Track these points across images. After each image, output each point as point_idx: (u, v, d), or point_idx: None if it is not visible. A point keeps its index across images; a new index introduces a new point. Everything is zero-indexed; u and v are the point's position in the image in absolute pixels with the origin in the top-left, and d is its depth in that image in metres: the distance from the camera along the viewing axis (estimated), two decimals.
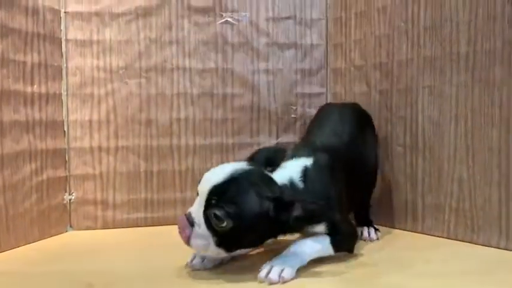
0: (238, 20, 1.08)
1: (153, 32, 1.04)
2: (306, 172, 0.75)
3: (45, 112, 0.95)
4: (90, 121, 1.01)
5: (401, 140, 0.97)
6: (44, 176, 0.95)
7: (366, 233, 0.91)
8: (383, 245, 0.88)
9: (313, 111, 1.12)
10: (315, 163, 0.77)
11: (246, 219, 0.66)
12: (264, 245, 0.76)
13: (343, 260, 0.77)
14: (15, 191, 0.88)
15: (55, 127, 0.98)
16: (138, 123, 1.03)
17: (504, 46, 0.81)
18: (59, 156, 0.99)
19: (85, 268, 0.76)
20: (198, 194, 0.70)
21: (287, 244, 0.73)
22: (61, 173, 0.99)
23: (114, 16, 1.02)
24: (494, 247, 0.82)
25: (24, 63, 0.90)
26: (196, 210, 0.68)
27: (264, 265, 0.67)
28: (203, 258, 0.72)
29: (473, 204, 0.86)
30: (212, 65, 1.07)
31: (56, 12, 0.98)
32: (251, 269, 0.70)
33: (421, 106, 0.94)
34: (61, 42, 0.99)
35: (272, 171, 0.75)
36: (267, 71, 1.10)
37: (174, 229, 1.01)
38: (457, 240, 0.88)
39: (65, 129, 1.00)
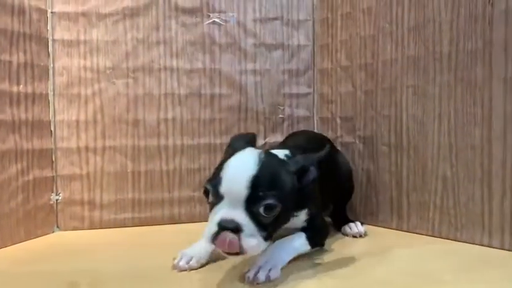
0: (225, 21, 1.08)
1: (141, 32, 1.04)
2: (291, 151, 0.76)
3: (31, 112, 0.95)
4: (77, 121, 1.01)
5: (386, 139, 0.98)
6: (30, 176, 0.94)
7: (354, 228, 0.92)
8: (368, 243, 0.89)
9: (300, 112, 1.13)
10: (292, 154, 0.77)
11: (288, 199, 0.65)
12: None
13: (327, 258, 0.78)
14: (0, 191, 0.87)
15: (42, 127, 0.98)
16: (126, 123, 1.04)
17: (485, 46, 0.82)
18: (46, 157, 0.99)
19: (71, 268, 0.76)
20: (219, 197, 0.62)
21: None
22: (48, 173, 0.99)
23: (101, 16, 1.02)
24: (478, 244, 0.84)
25: (10, 63, 0.90)
26: (235, 212, 0.61)
27: (250, 266, 0.67)
28: (189, 259, 0.72)
29: (457, 201, 0.87)
30: (200, 65, 1.07)
31: (42, 12, 0.98)
32: (237, 268, 0.71)
33: (405, 105, 0.95)
34: (48, 42, 0.99)
35: None
36: (254, 72, 1.10)
37: (161, 229, 1.03)
38: (441, 238, 0.89)
39: (52, 129, 1.00)
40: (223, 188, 0.62)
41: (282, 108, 1.12)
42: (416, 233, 0.93)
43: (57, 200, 1.01)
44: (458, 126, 0.87)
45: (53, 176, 1.00)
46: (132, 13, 1.03)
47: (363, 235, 0.92)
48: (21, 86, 0.92)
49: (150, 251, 0.86)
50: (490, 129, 0.82)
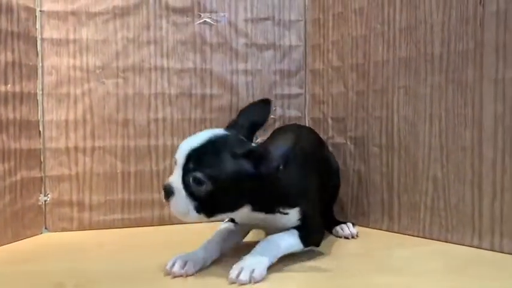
0: (216, 21, 1.08)
1: (131, 31, 1.03)
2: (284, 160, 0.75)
3: (19, 112, 0.94)
4: (66, 121, 1.00)
5: (377, 140, 0.98)
6: (18, 177, 0.93)
7: (346, 230, 0.91)
8: (358, 244, 0.89)
9: (292, 112, 1.13)
10: (293, 149, 0.76)
11: (224, 180, 0.68)
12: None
13: (317, 259, 0.77)
14: None
15: (30, 127, 0.96)
16: (115, 123, 1.03)
17: (476, 47, 0.82)
18: (34, 157, 0.97)
19: (58, 268, 0.75)
20: (175, 163, 0.71)
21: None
22: (36, 173, 0.98)
23: (91, 15, 1.01)
24: (468, 245, 0.84)
25: None
26: (175, 178, 0.69)
27: (234, 266, 0.66)
28: (184, 264, 0.69)
29: (448, 203, 0.87)
30: (190, 65, 1.07)
31: (31, 11, 0.97)
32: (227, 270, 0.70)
33: (396, 106, 0.95)
34: (36, 41, 0.98)
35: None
36: (245, 72, 1.10)
37: (151, 230, 1.02)
38: (432, 239, 0.89)
39: (40, 129, 0.99)
40: (176, 155, 0.71)
41: (273, 108, 1.12)
42: (407, 234, 0.93)
43: (45, 200, 0.99)
44: (449, 127, 0.86)
45: (42, 177, 0.99)
46: (122, 12, 1.03)
47: (355, 236, 0.91)
48: (9, 85, 0.91)
49: (139, 252, 0.85)
50: (480, 130, 0.82)
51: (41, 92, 0.99)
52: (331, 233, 0.93)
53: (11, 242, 0.91)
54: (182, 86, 1.06)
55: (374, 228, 0.99)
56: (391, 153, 0.96)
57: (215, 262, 0.74)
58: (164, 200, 0.70)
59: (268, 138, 0.90)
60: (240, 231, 0.81)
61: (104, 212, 1.02)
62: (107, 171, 1.02)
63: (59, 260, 0.81)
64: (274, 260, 0.70)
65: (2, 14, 0.89)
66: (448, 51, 0.86)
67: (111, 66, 1.02)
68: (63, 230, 1.00)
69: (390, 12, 0.95)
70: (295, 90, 1.13)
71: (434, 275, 0.70)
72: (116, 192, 1.03)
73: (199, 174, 0.67)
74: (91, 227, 1.01)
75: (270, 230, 0.79)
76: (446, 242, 0.87)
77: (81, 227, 1.01)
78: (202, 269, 0.71)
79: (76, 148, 1.01)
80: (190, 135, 1.05)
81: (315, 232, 0.79)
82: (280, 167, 0.69)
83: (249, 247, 0.72)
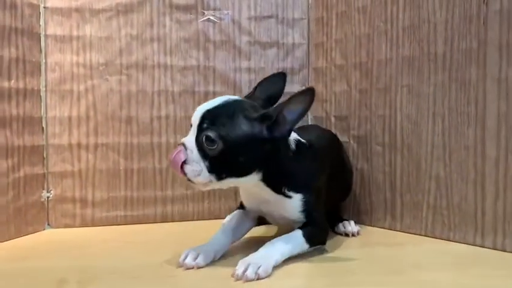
0: (220, 18, 1.08)
1: (134, 28, 1.03)
2: (298, 145, 0.78)
3: (22, 108, 0.94)
4: (70, 118, 1.00)
5: (380, 139, 0.98)
6: (21, 173, 0.93)
7: (348, 227, 0.92)
8: (361, 242, 0.89)
9: None
10: (309, 141, 0.81)
11: (236, 141, 0.69)
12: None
13: (319, 257, 0.77)
14: None
15: (33, 123, 0.97)
16: (118, 120, 1.03)
17: (480, 46, 0.82)
18: (37, 153, 0.98)
19: (60, 265, 0.75)
20: (191, 126, 0.73)
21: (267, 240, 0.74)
22: (39, 170, 0.98)
23: (95, 12, 1.01)
24: (471, 244, 0.84)
25: (1, 57, 0.89)
26: (189, 138, 0.72)
27: (239, 262, 0.67)
28: (196, 256, 0.71)
29: (450, 201, 0.87)
30: (194, 62, 1.07)
31: (34, 7, 0.97)
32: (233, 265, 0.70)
33: (399, 105, 0.95)
34: (40, 37, 0.98)
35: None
36: (248, 70, 1.10)
37: (153, 227, 1.02)
38: (434, 237, 0.89)
39: (43, 125, 0.99)
40: (192, 117, 0.73)
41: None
42: (409, 233, 0.93)
43: (48, 197, 1.00)
44: (452, 126, 0.86)
45: (44, 173, 0.99)
46: (126, 9, 1.03)
47: (355, 234, 0.91)
48: (13, 81, 0.91)
49: (142, 249, 0.85)
50: (483, 129, 0.82)
51: (44, 89, 0.99)
52: (332, 229, 0.93)
53: (14, 238, 0.91)
54: (185, 83, 1.06)
55: (376, 227, 0.99)
56: (394, 152, 0.96)
57: (224, 256, 0.75)
58: (172, 156, 0.71)
59: None
60: (247, 222, 0.82)
61: (106, 209, 1.02)
62: (110, 168, 1.02)
63: (62, 256, 0.81)
64: (281, 259, 0.71)
65: (6, 10, 0.90)
66: (451, 49, 0.86)
67: (114, 63, 1.02)
68: (66, 226, 1.00)
69: (393, 10, 0.95)
70: (298, 88, 1.13)
71: (437, 273, 0.70)
72: (118, 189, 1.03)
73: (211, 133, 0.69)
74: (94, 223, 1.02)
75: (275, 219, 0.80)
76: (448, 240, 0.87)
77: (84, 224, 1.01)
78: (213, 261, 0.73)
79: (79, 145, 1.01)
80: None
81: (320, 231, 0.80)
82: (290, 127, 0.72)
83: (257, 244, 0.73)
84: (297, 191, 0.76)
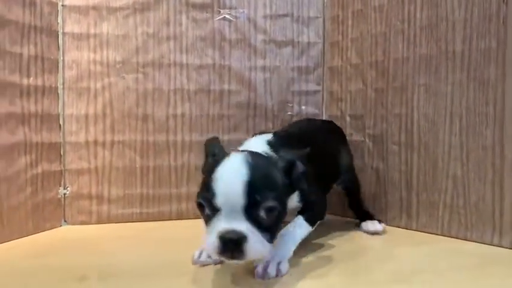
0: (236, 17, 1.08)
1: (151, 27, 1.04)
2: (270, 144, 0.75)
3: (41, 105, 0.94)
4: (86, 115, 1.01)
5: (396, 138, 0.98)
6: (39, 169, 0.94)
7: (372, 227, 0.92)
8: (377, 241, 0.89)
9: (309, 109, 1.13)
10: (275, 136, 0.78)
11: (283, 196, 0.65)
12: None
13: (335, 255, 0.78)
14: (9, 184, 0.87)
15: (51, 120, 0.97)
16: (135, 118, 1.03)
17: (499, 45, 0.82)
18: (54, 150, 0.98)
19: (80, 261, 0.76)
20: (215, 209, 0.61)
21: None
22: (56, 166, 0.99)
23: (112, 10, 1.02)
24: (488, 244, 0.83)
25: (21, 55, 0.90)
26: (236, 222, 0.59)
27: (258, 261, 0.66)
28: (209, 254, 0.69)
29: (467, 201, 0.87)
30: (209, 61, 1.07)
31: (53, 5, 0.97)
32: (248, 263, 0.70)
33: (416, 104, 0.94)
34: (58, 35, 0.99)
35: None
36: (264, 68, 1.10)
37: (169, 224, 1.03)
38: (451, 237, 0.89)
39: (61, 122, 1.00)
40: (220, 200, 0.60)
41: (290, 105, 1.12)
42: (425, 232, 0.93)
43: (64, 194, 1.00)
44: (470, 126, 0.86)
45: (61, 170, 1.00)
46: (142, 7, 1.03)
47: (380, 233, 0.92)
48: (31, 78, 0.92)
49: (159, 246, 0.85)
50: (502, 129, 0.82)
51: (61, 86, 0.99)
52: (358, 227, 0.95)
53: (32, 234, 0.91)
54: (201, 82, 1.07)
55: (392, 226, 0.99)
56: (410, 151, 0.96)
57: None
58: (227, 258, 0.60)
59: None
60: None
61: (122, 206, 1.03)
62: (126, 166, 1.03)
63: (80, 253, 0.82)
64: (293, 250, 0.71)
65: (26, 7, 0.90)
66: (469, 48, 0.86)
67: (131, 61, 1.03)
68: (82, 223, 1.01)
69: (411, 9, 0.95)
70: (312, 87, 1.13)
71: (454, 273, 0.69)
72: (134, 186, 1.03)
73: (271, 202, 0.61)
74: (109, 220, 1.02)
75: None
76: (465, 240, 0.87)
77: (100, 221, 1.02)
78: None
79: (96, 142, 1.01)
80: (207, 131, 1.08)
81: (318, 211, 0.80)
82: (303, 170, 0.68)
83: None
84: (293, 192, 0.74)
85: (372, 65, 1.02)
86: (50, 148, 0.97)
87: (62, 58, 0.99)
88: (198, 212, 0.65)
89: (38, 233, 0.93)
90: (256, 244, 0.60)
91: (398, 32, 0.97)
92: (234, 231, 0.59)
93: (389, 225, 0.99)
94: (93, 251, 0.83)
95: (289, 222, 0.75)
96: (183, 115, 1.06)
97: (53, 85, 0.98)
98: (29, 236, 0.90)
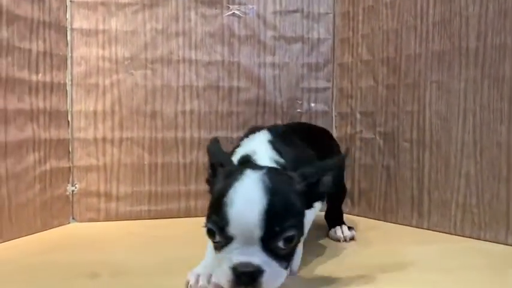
0: (245, 13, 1.07)
1: (160, 23, 1.03)
2: (273, 145, 0.68)
3: (49, 101, 0.94)
4: (95, 112, 1.00)
5: (408, 135, 0.97)
6: (47, 166, 0.94)
7: (339, 233, 0.86)
8: (387, 240, 0.88)
9: (318, 106, 1.12)
10: (271, 132, 0.72)
11: (302, 223, 0.58)
12: None
13: (344, 254, 0.77)
14: (18, 181, 0.87)
15: (59, 117, 0.97)
16: (143, 115, 1.03)
17: None
18: (63, 147, 0.98)
19: (89, 258, 0.75)
20: (228, 238, 0.54)
21: None
22: (64, 163, 0.98)
23: (121, 6, 1.01)
24: (502, 243, 0.82)
25: (30, 51, 0.89)
26: (251, 254, 0.53)
27: None
28: (209, 277, 0.60)
29: (481, 199, 0.85)
30: (218, 57, 1.06)
31: (62, 1, 0.97)
32: None
33: (428, 101, 0.93)
34: (66, 31, 0.98)
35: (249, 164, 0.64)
36: (273, 65, 1.09)
37: (177, 222, 1.02)
38: (463, 236, 0.88)
39: (69, 119, 0.99)
40: (233, 229, 0.53)
41: (300, 102, 1.11)
42: (437, 231, 0.92)
43: (73, 191, 1.00)
44: (484, 123, 0.85)
45: (70, 167, 0.99)
46: (151, 3, 1.02)
47: (347, 240, 0.84)
48: (40, 74, 0.91)
49: (166, 244, 0.85)
50: None
51: (70, 83, 0.99)
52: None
53: (40, 231, 0.91)
54: (210, 78, 1.06)
55: (402, 225, 0.97)
56: (422, 148, 0.94)
57: None
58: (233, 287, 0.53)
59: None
60: None
61: (130, 203, 1.02)
62: (135, 163, 1.02)
63: (88, 250, 0.81)
64: (302, 244, 0.66)
65: (34, 3, 0.90)
66: (484, 45, 0.85)
67: (139, 57, 1.02)
68: (90, 220, 1.00)
69: (423, 5, 0.94)
70: (322, 84, 1.12)
71: (465, 272, 0.68)
72: (143, 184, 1.03)
73: (291, 232, 0.54)
74: (118, 217, 1.02)
75: None
76: (478, 239, 0.85)
77: (108, 218, 1.01)
78: None
79: (104, 139, 1.01)
80: (216, 128, 1.07)
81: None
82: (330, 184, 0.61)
83: None
84: None
85: (384, 61, 1.01)
86: (59, 145, 0.96)
87: (70, 54, 0.99)
88: (206, 209, 0.59)
89: (46, 230, 0.93)
90: (272, 276, 0.54)
91: (411, 28, 0.96)
92: (249, 265, 0.53)
93: (400, 224, 0.98)
94: (101, 248, 0.82)
95: None
96: (191, 112, 1.05)
97: (62, 81, 0.97)
98: (37, 234, 0.90)
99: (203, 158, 1.05)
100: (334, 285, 0.63)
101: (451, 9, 0.89)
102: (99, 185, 1.01)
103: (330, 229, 0.88)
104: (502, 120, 0.82)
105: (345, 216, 1.07)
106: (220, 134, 1.06)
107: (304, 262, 0.69)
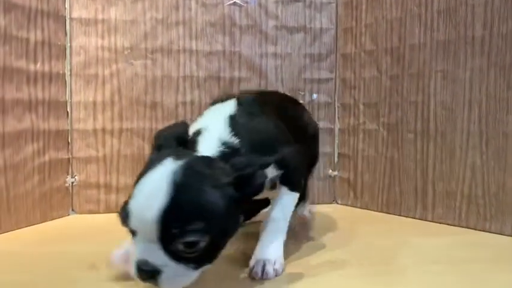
0: (246, 2, 1.05)
1: (160, 12, 1.01)
2: (232, 121, 0.61)
3: (48, 91, 0.92)
4: (94, 102, 0.99)
5: (412, 126, 0.95)
6: (46, 158, 0.92)
7: (303, 210, 0.85)
8: (391, 232, 0.87)
9: (321, 97, 1.10)
10: (240, 103, 0.65)
11: (220, 222, 0.52)
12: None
13: (346, 246, 0.76)
14: (16, 172, 0.85)
15: (58, 107, 0.95)
16: (143, 105, 1.01)
17: None
18: (62, 138, 0.97)
19: (88, 249, 0.74)
20: (132, 232, 0.52)
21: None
22: (63, 154, 0.97)
23: None
24: (508, 235, 0.81)
25: (27, 40, 0.88)
26: (150, 252, 0.50)
27: (253, 263, 0.62)
28: None
29: (487, 191, 0.84)
30: (219, 47, 1.04)
31: None
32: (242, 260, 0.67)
33: (433, 91, 0.92)
34: (65, 20, 0.97)
35: (190, 145, 0.58)
36: (275, 55, 1.07)
37: None
38: (468, 228, 0.86)
39: (68, 110, 0.98)
40: (133, 223, 0.51)
41: (302, 93, 1.09)
42: (441, 223, 0.90)
43: (72, 182, 0.99)
44: (490, 113, 0.83)
45: (69, 158, 0.98)
46: None
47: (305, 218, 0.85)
48: (38, 64, 0.90)
49: None
50: None
51: (69, 73, 0.97)
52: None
53: (39, 223, 0.90)
54: (210, 68, 1.04)
55: (406, 217, 0.96)
56: (426, 139, 0.93)
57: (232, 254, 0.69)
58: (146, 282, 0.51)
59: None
60: None
61: None
62: (134, 154, 1.01)
63: (89, 241, 0.80)
64: (285, 234, 0.65)
65: None
66: (490, 33, 0.83)
67: (139, 47, 1.00)
68: (90, 212, 0.99)
69: None
70: (325, 74, 1.10)
71: (469, 264, 0.67)
72: None
73: (193, 237, 0.49)
74: (118, 209, 1.00)
75: None
76: (484, 231, 0.84)
77: (108, 210, 1.00)
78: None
79: (104, 130, 1.00)
80: None
81: (296, 174, 0.68)
82: (265, 181, 0.56)
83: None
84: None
85: (387, 51, 0.99)
86: (58, 136, 0.95)
87: (69, 44, 0.97)
88: None
89: (46, 222, 0.92)
90: (173, 277, 0.51)
91: (415, 16, 0.94)
92: (147, 263, 0.50)
93: (404, 216, 0.97)
94: (101, 239, 0.81)
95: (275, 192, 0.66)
96: (192, 102, 1.03)
97: (61, 71, 0.96)
98: (36, 225, 0.89)
99: None
100: (336, 278, 0.62)
101: None
102: (99, 176, 1.00)
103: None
104: (508, 110, 0.81)
105: (348, 209, 1.06)
106: None
107: (307, 253, 0.68)
